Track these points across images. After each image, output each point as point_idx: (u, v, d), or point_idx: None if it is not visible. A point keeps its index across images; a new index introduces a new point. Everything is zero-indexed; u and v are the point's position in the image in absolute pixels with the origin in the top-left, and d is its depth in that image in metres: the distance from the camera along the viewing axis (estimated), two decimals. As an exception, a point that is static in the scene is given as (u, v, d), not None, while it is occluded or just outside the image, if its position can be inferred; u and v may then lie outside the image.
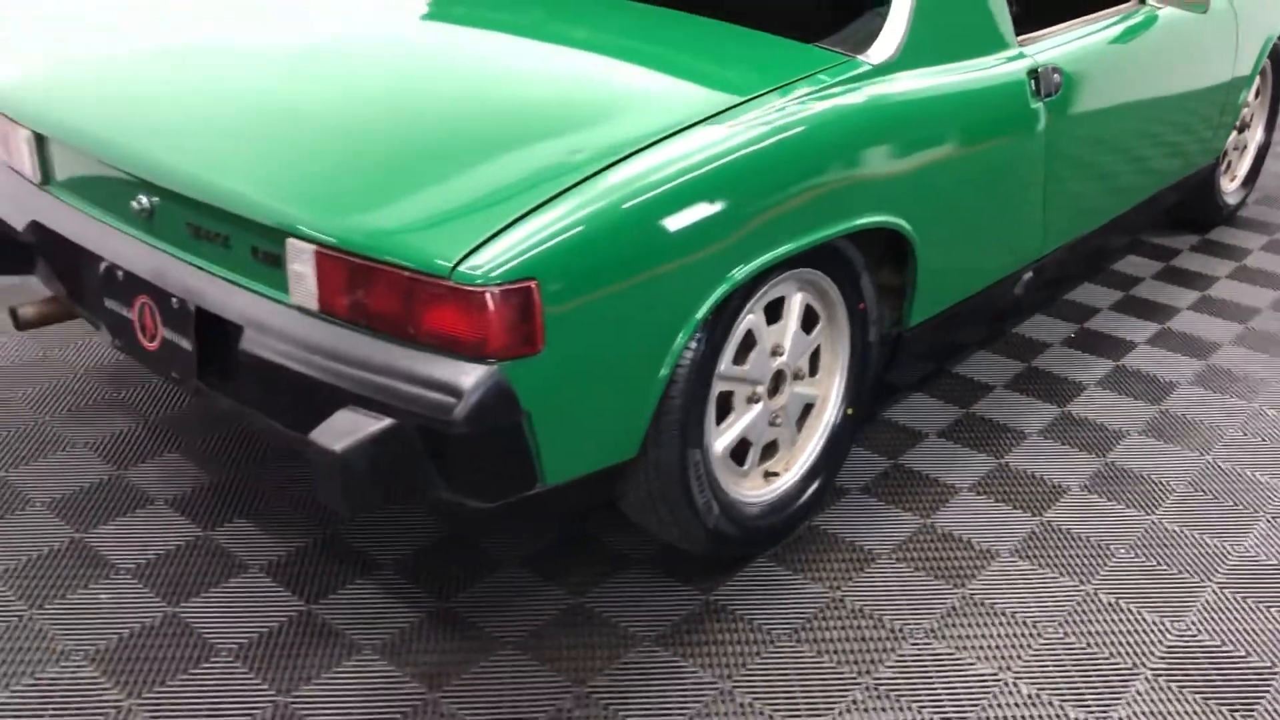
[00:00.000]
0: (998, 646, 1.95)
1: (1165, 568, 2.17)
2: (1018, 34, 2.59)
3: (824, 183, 1.95)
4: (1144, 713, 1.82)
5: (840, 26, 2.31)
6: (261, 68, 2.14)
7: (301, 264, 1.69)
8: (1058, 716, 1.81)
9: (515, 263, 1.57)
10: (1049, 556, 2.19)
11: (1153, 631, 2.00)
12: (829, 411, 2.23)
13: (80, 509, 2.24)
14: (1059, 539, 2.25)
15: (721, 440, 2.01)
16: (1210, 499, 2.39)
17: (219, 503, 2.27)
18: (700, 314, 1.79)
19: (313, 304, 1.70)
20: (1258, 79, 3.77)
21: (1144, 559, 2.19)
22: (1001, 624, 2.01)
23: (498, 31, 2.27)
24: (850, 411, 2.24)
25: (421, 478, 1.66)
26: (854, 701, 1.83)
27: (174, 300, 1.89)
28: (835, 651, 1.93)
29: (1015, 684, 1.87)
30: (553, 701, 1.81)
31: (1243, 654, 1.96)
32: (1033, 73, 2.43)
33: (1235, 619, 2.04)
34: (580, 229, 1.63)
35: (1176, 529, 2.29)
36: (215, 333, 1.88)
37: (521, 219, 1.62)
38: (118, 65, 2.24)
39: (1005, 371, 2.89)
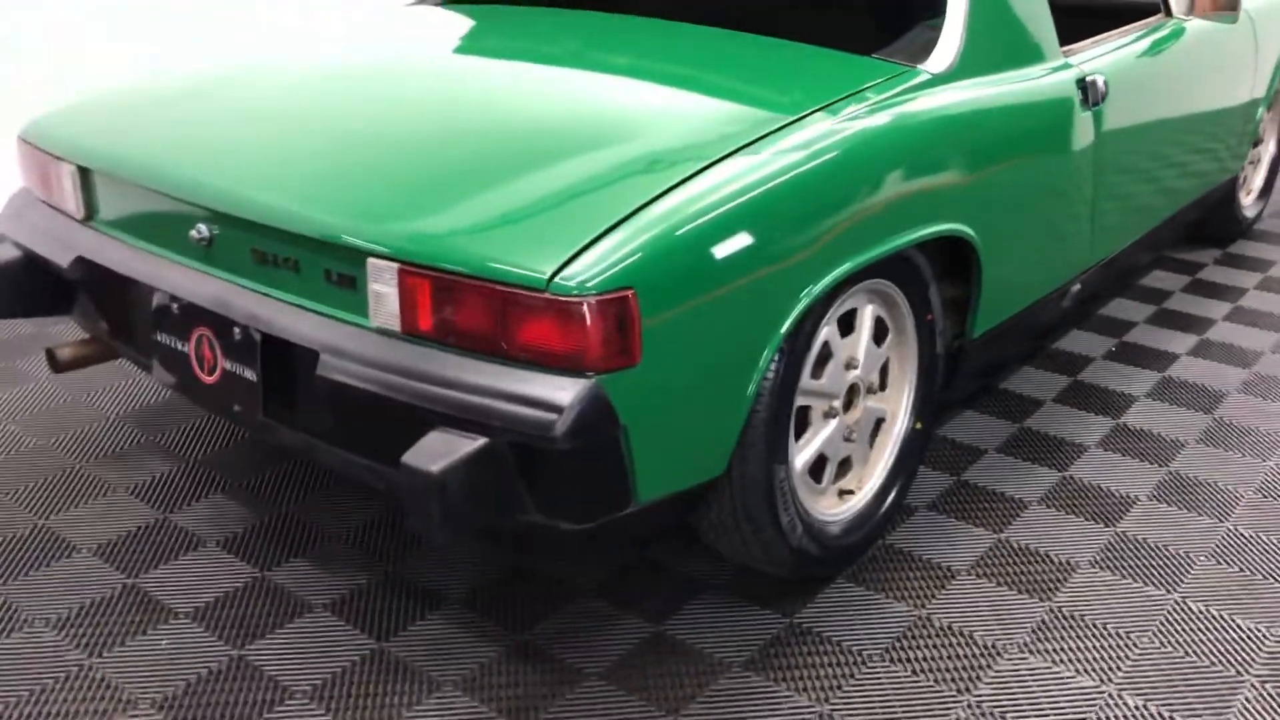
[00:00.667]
0: (1095, 659, 1.90)
1: (1248, 574, 2.13)
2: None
3: (899, 190, 1.92)
4: (1255, 720, 1.77)
5: (891, 39, 2.29)
6: (316, 93, 2.10)
7: (383, 284, 1.63)
8: (1169, 727, 1.76)
9: (612, 272, 1.52)
10: (1130, 566, 2.15)
11: (1250, 638, 1.96)
12: (899, 426, 2.18)
13: (128, 554, 2.16)
14: (1137, 549, 2.20)
15: (801, 457, 1.96)
16: (1280, 504, 2.36)
17: (272, 543, 2.20)
18: (786, 325, 1.75)
19: (395, 325, 1.65)
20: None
21: (1226, 565, 2.15)
22: (1094, 636, 1.96)
23: (553, 51, 2.25)
24: (919, 425, 2.20)
25: (513, 500, 1.60)
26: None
27: (236, 330, 1.83)
28: (930, 670, 1.87)
29: (1120, 696, 1.82)
30: (647, 732, 1.74)
31: (1342, 657, 1.91)
32: (1080, 82, 2.42)
33: (1328, 622, 2.00)
34: (671, 238, 1.59)
35: (1251, 534, 2.25)
36: (281, 362, 1.82)
37: (613, 229, 1.58)
38: (164, 97, 2.19)
39: (1052, 386, 2.86)
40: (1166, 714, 1.78)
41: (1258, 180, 3.96)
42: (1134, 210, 2.80)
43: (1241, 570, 2.14)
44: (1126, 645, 1.94)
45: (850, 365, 2.03)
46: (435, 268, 1.58)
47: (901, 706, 1.80)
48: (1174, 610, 2.03)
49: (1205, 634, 1.97)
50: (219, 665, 1.88)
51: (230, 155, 1.89)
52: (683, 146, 1.78)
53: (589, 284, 1.51)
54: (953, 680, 1.85)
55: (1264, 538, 2.24)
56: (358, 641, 1.94)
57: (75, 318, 2.29)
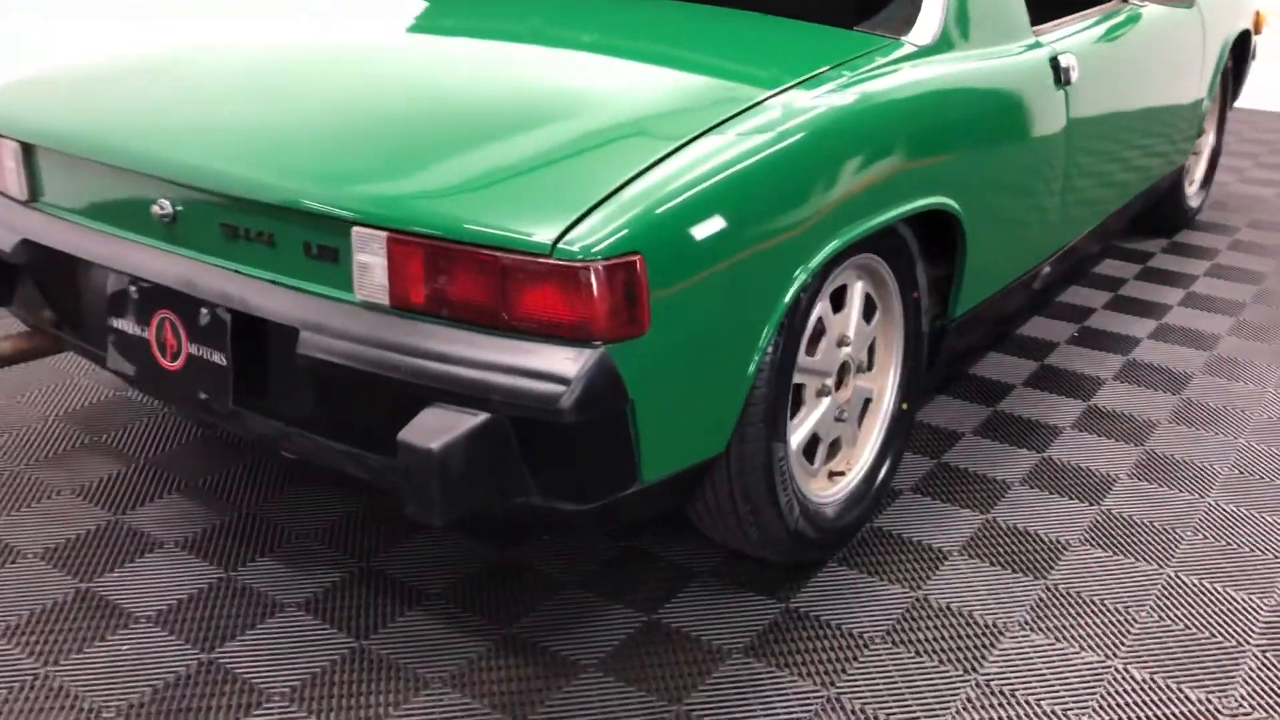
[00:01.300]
0: (1096, 634, 1.87)
1: (1236, 546, 2.12)
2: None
3: (893, 161, 1.88)
4: (1262, 690, 1.75)
5: (872, 13, 2.26)
6: (293, 64, 2.00)
7: (370, 254, 1.54)
8: (1179, 699, 1.73)
9: (619, 236, 1.45)
10: (1120, 543, 2.13)
11: (1246, 609, 1.94)
12: (885, 405, 2.14)
13: (80, 558, 2.02)
14: (1124, 525, 2.19)
15: (796, 436, 1.91)
16: (1257, 479, 2.36)
17: (236, 542, 2.08)
18: (788, 297, 1.70)
19: (383, 298, 1.55)
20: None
21: (1213, 539, 2.15)
22: (1094, 611, 1.93)
23: (540, 23, 2.17)
24: (905, 405, 2.16)
25: (514, 480, 1.52)
26: (967, 700, 1.72)
27: (204, 310, 1.72)
28: (934, 651, 1.83)
29: (1127, 670, 1.79)
30: (651, 723, 1.67)
31: (1336, 626, 1.91)
32: (1053, 61, 2.41)
33: (1318, 592, 2.00)
34: (677, 202, 1.53)
35: (1234, 509, 2.25)
36: (254, 344, 1.71)
37: (616, 193, 1.51)
38: (116, 71, 2.07)
39: (1021, 371, 2.85)
40: (1174, 685, 1.76)
41: (1199, 171, 4.02)
42: (1098, 193, 2.81)
43: (1228, 544, 2.14)
44: (1126, 620, 1.91)
45: (842, 342, 1.98)
46: (428, 235, 1.49)
47: (909, 687, 1.74)
48: (1169, 584, 2.01)
49: (1201, 606, 1.95)
50: (187, 670, 1.76)
51: (196, 127, 1.78)
52: (680, 114, 1.71)
53: (595, 248, 1.43)
54: (958, 660, 1.81)
55: (1246, 511, 2.24)
56: (336, 640, 1.83)
57: (14, 309, 2.14)
